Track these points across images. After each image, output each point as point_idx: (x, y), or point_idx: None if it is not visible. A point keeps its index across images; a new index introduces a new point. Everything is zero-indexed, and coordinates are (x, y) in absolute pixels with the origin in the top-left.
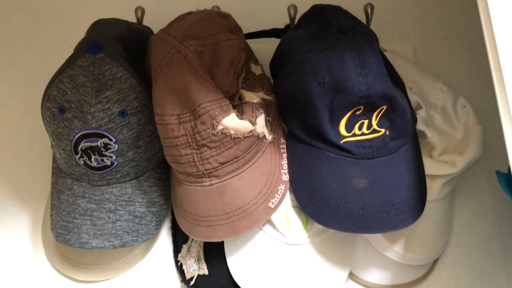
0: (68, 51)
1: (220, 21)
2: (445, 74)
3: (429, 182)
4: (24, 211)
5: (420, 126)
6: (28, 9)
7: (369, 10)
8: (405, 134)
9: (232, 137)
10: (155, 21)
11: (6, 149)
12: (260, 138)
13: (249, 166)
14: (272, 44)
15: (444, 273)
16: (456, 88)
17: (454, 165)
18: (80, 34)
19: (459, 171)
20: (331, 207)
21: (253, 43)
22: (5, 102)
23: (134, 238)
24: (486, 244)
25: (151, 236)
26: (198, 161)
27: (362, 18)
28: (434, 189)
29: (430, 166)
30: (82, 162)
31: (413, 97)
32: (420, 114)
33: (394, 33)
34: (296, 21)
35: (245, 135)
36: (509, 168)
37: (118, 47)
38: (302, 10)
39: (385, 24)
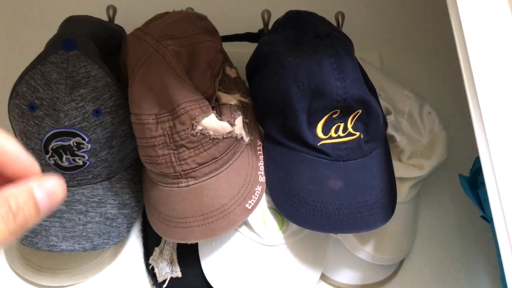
0: (36, 47)
1: (198, 22)
2: (410, 82)
3: (398, 185)
4: None
5: (390, 130)
6: None
7: (340, 18)
8: (378, 138)
9: (211, 138)
10: (127, 21)
11: None
12: (238, 140)
13: (227, 167)
14: (246, 48)
15: (410, 273)
16: (421, 95)
17: (422, 168)
18: (49, 30)
19: (426, 174)
20: (308, 208)
21: (227, 47)
22: None
23: (105, 240)
24: (448, 245)
25: (122, 238)
26: (176, 161)
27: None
28: (402, 191)
29: (399, 169)
30: (53, 162)
31: (383, 103)
32: (390, 119)
33: (362, 41)
34: (269, 26)
35: (224, 136)
36: (471, 171)
37: (92, 45)
38: (275, 15)
39: (354, 33)
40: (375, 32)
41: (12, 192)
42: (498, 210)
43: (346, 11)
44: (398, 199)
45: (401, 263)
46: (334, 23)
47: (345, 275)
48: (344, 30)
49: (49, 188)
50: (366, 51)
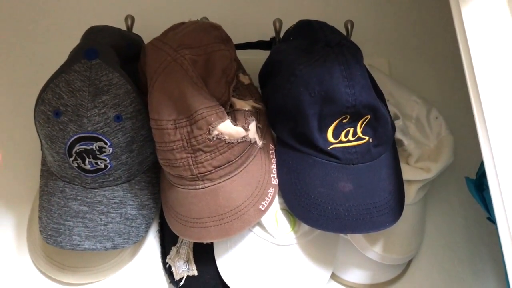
0: (58, 56)
1: (213, 32)
2: (418, 87)
3: (406, 187)
4: (8, 214)
5: (398, 135)
6: (22, 15)
7: (349, 26)
8: (386, 142)
9: (226, 142)
10: (144, 29)
11: None
12: (251, 144)
13: (241, 170)
14: (258, 55)
15: (418, 273)
16: (428, 100)
17: (429, 171)
18: (71, 39)
19: (433, 177)
20: (319, 209)
21: (240, 54)
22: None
23: (125, 240)
24: (455, 245)
25: (141, 238)
26: (193, 164)
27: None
28: (410, 194)
29: (407, 172)
30: (76, 165)
31: (391, 108)
32: (398, 124)
33: (371, 48)
34: (281, 34)
35: (239, 141)
36: (477, 174)
37: (113, 54)
38: (287, 24)
39: (363, 40)
40: (384, 39)
41: None
42: (501, 212)
43: (355, 19)
44: (406, 201)
45: (409, 263)
46: (344, 31)
47: (355, 275)
48: (353, 37)
49: None
50: (375, 57)
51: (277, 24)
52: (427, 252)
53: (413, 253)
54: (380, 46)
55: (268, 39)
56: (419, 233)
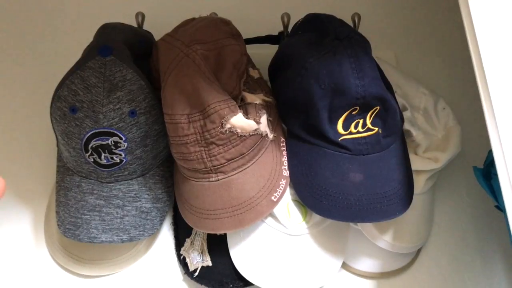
0: (71, 53)
1: (223, 27)
2: (425, 79)
3: (414, 177)
4: (26, 209)
5: (406, 126)
6: (35, 13)
7: (356, 19)
8: (395, 133)
9: (239, 135)
10: (155, 26)
11: (7, 149)
12: (263, 137)
13: (253, 163)
14: (266, 49)
15: (427, 261)
16: (436, 92)
17: (437, 161)
18: (83, 37)
19: (441, 167)
20: (330, 199)
21: (249, 48)
22: (7, 103)
23: (140, 232)
24: (464, 233)
25: (156, 230)
26: (206, 157)
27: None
28: (419, 183)
29: (415, 162)
30: (92, 160)
31: (399, 100)
32: (406, 115)
33: (378, 41)
34: (289, 29)
35: (251, 134)
36: (485, 163)
37: (126, 50)
38: (294, 18)
39: (370, 32)
40: (391, 31)
41: None
42: (510, 199)
43: (362, 12)
44: (416, 191)
45: (418, 251)
46: (351, 24)
47: (365, 263)
48: (360, 30)
49: None
50: (382, 50)
51: (285, 18)
52: (436, 240)
53: (422, 242)
54: (387, 39)
55: (276, 33)
56: (428, 222)
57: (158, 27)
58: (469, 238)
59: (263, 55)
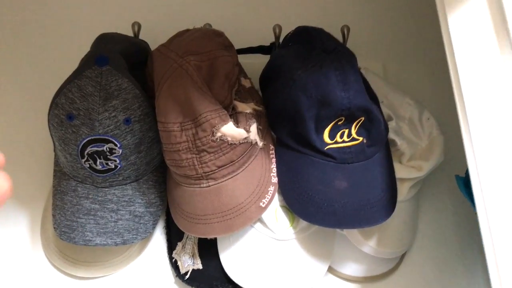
0: (69, 62)
1: (216, 39)
2: (412, 90)
3: (398, 185)
4: (23, 212)
5: (391, 135)
6: (35, 23)
7: (345, 31)
8: (380, 142)
9: (229, 143)
10: (151, 35)
11: (6, 153)
12: (253, 145)
13: (243, 169)
14: (258, 59)
15: (411, 266)
16: (421, 102)
17: (420, 169)
18: (81, 46)
19: (424, 175)
20: (316, 206)
21: (242, 58)
22: (7, 108)
23: (134, 236)
24: (447, 240)
25: (149, 234)
26: (198, 164)
27: (339, 38)
28: (402, 191)
29: (399, 171)
30: (88, 166)
31: (384, 110)
32: (391, 124)
33: (367, 52)
34: (280, 39)
35: (241, 142)
36: (466, 172)
37: (122, 60)
38: (286, 30)
39: (359, 44)
40: (379, 43)
41: None
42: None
43: (352, 24)
44: (399, 198)
45: (402, 257)
46: (340, 35)
47: (351, 268)
48: (349, 42)
49: None
50: (371, 61)
51: (277, 30)
52: (419, 246)
53: (405, 248)
54: (375, 50)
55: (268, 44)
56: (411, 229)
57: (154, 36)
58: (451, 244)
59: (255, 65)
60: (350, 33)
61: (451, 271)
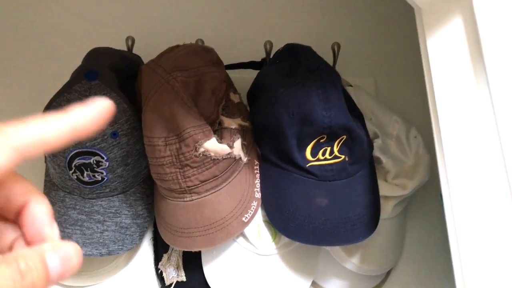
0: (64, 75)
1: (204, 55)
2: (403, 106)
3: (382, 202)
4: None
5: (376, 153)
6: (31, 37)
7: (336, 49)
8: (362, 160)
9: (212, 158)
10: (144, 50)
11: None
12: (236, 160)
13: (226, 184)
14: (250, 74)
15: (397, 283)
16: (411, 119)
17: (405, 188)
18: (75, 60)
19: (409, 193)
20: (297, 222)
21: (233, 73)
22: (3, 119)
23: (119, 247)
24: (433, 258)
25: (135, 245)
26: (181, 178)
27: (330, 55)
28: (387, 209)
29: (384, 188)
30: (75, 177)
31: (371, 127)
32: (377, 142)
33: (358, 69)
34: (271, 55)
35: (223, 157)
36: None
37: (111, 75)
38: (277, 46)
39: (350, 61)
40: (370, 60)
41: (23, 253)
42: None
43: (344, 41)
44: (383, 216)
45: (388, 273)
46: (331, 53)
47: (335, 284)
48: (341, 58)
49: (63, 255)
50: (362, 77)
51: (268, 46)
52: (406, 263)
53: (390, 265)
54: (367, 67)
55: (259, 59)
56: (396, 247)
57: (147, 51)
58: (438, 261)
59: (246, 79)
60: (342, 50)
61: None
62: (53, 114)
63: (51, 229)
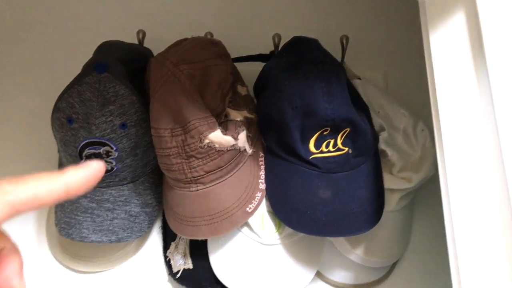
0: (76, 68)
1: (212, 48)
2: (413, 99)
3: (387, 195)
4: None
5: (382, 146)
6: (41, 31)
7: (344, 42)
8: (366, 153)
9: (217, 150)
10: (155, 43)
11: (16, 153)
12: (241, 152)
13: (231, 175)
14: (258, 67)
15: (402, 275)
16: (421, 112)
17: (410, 181)
18: (87, 53)
19: (414, 187)
20: (300, 213)
21: (241, 66)
22: (18, 112)
23: (128, 234)
24: (440, 251)
25: (144, 233)
26: (187, 169)
27: (339, 48)
28: (391, 201)
29: (389, 181)
30: None
31: (378, 120)
32: (383, 135)
33: (367, 62)
34: (280, 47)
35: (228, 149)
36: None
37: (121, 67)
38: (285, 38)
39: (359, 54)
40: (379, 53)
41: None
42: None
43: (353, 34)
44: (387, 208)
45: (393, 265)
46: (339, 46)
47: (339, 275)
48: (349, 51)
49: None
50: (371, 70)
51: (276, 39)
52: (411, 256)
53: (394, 258)
54: (375, 60)
55: (268, 52)
56: (401, 239)
57: (158, 44)
58: (444, 256)
59: (254, 72)
60: (351, 43)
61: (443, 282)
62: (49, 173)
63: (19, 283)
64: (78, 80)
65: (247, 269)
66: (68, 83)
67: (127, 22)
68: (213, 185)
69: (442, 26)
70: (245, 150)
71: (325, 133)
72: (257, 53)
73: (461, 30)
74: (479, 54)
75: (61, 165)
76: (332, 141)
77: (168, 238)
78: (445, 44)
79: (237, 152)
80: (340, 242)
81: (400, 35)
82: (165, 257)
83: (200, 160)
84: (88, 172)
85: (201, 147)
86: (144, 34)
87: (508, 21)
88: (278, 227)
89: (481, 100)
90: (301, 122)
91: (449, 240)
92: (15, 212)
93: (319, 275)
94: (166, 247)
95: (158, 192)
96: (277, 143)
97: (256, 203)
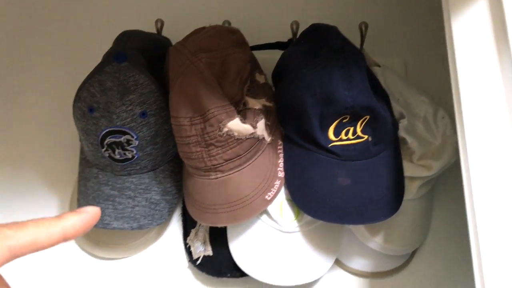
0: (96, 58)
1: (230, 36)
2: (433, 86)
3: (407, 183)
4: (53, 196)
5: (402, 133)
6: (62, 21)
7: (363, 28)
8: (386, 141)
9: (236, 138)
10: (173, 32)
11: (39, 142)
12: (260, 140)
13: (250, 163)
14: (276, 55)
15: (421, 263)
16: (442, 99)
17: (430, 169)
18: (106, 42)
19: (434, 174)
20: (319, 201)
21: (259, 54)
22: (41, 102)
23: (149, 221)
24: (460, 240)
25: (164, 220)
26: (206, 157)
27: (358, 36)
28: (411, 189)
29: (409, 169)
30: (107, 155)
31: (397, 108)
32: (403, 123)
33: (387, 49)
34: (298, 35)
35: (247, 137)
36: None
37: (140, 57)
38: (303, 26)
39: (379, 41)
40: (400, 40)
41: None
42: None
43: (373, 20)
44: (407, 197)
45: (413, 254)
46: (358, 33)
47: (358, 262)
48: (368, 39)
49: None
50: (391, 57)
51: (294, 26)
52: (432, 244)
53: (414, 246)
54: (395, 47)
55: (286, 39)
56: (421, 227)
57: (176, 33)
58: (465, 243)
59: (272, 60)
60: (370, 30)
61: (463, 270)
62: (48, 218)
63: None
64: (98, 70)
65: (266, 256)
66: (89, 73)
67: (145, 11)
68: (232, 173)
69: (465, 13)
70: (263, 138)
71: (344, 120)
72: (275, 41)
73: (484, 17)
74: (503, 40)
75: (82, 154)
76: (351, 129)
77: (188, 225)
78: (467, 31)
79: (255, 140)
80: (359, 229)
81: (419, 21)
82: (185, 244)
83: (219, 148)
84: (84, 217)
85: (220, 136)
86: (162, 23)
87: None
88: (297, 214)
89: (504, 88)
90: (320, 109)
91: (471, 229)
92: (14, 256)
93: (338, 262)
94: (186, 234)
95: (178, 180)
96: (296, 131)
97: (275, 191)
